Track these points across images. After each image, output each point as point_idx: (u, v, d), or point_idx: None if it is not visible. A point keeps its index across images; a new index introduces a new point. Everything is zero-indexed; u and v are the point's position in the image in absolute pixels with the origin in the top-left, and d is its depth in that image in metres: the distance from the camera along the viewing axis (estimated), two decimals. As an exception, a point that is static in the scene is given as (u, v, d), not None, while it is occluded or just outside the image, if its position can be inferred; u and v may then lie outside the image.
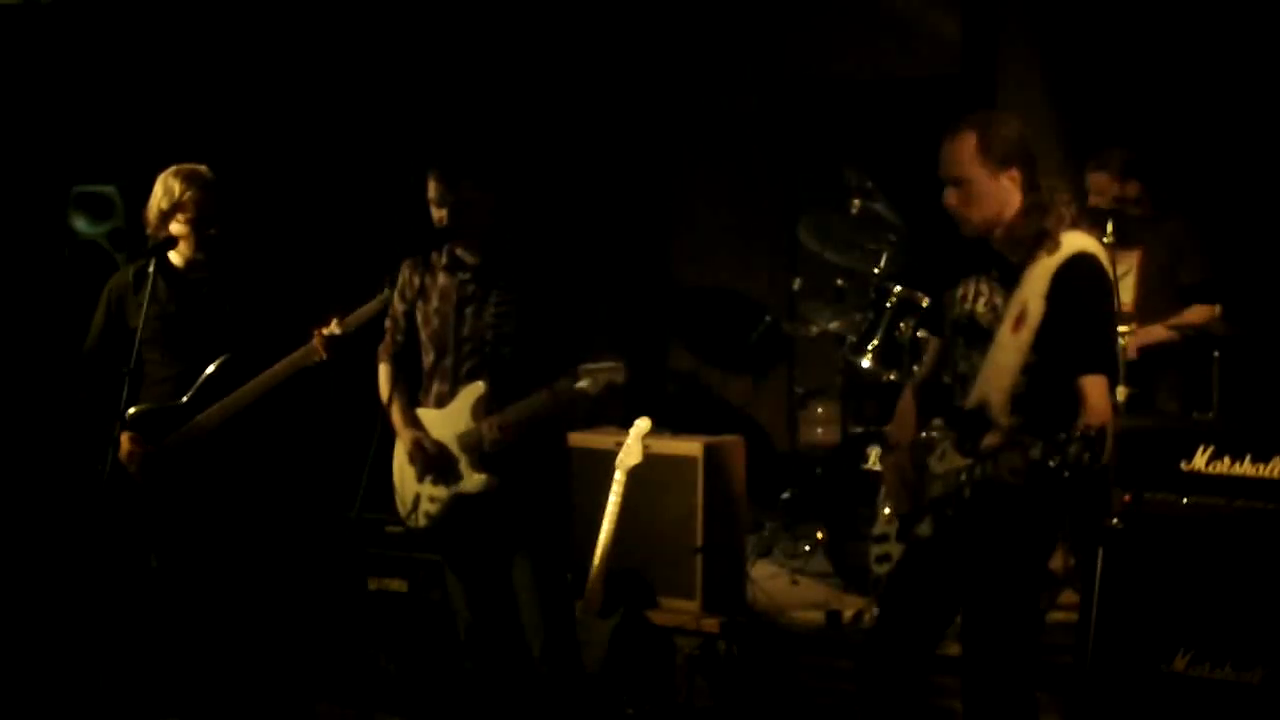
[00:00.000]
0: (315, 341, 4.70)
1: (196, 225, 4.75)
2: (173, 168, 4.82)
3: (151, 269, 4.69)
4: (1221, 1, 6.31)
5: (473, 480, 4.39)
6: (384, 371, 4.59)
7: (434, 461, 4.42)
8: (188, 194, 4.73)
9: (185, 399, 4.77)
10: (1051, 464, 3.57)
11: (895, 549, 4.13)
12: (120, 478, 4.70)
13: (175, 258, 4.85)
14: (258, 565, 4.90)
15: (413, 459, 4.46)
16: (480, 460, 4.38)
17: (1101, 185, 5.83)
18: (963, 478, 3.86)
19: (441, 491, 4.44)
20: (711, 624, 5.55)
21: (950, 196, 3.96)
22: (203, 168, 4.82)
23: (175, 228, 4.76)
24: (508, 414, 4.33)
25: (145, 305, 4.69)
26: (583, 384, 4.28)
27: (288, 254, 5.51)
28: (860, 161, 6.55)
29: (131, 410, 4.71)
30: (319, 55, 6.97)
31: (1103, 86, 6.55)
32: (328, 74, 6.99)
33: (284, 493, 5.10)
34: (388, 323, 4.61)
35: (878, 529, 4.20)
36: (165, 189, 4.77)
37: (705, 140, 7.90)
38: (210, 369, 4.76)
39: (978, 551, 3.94)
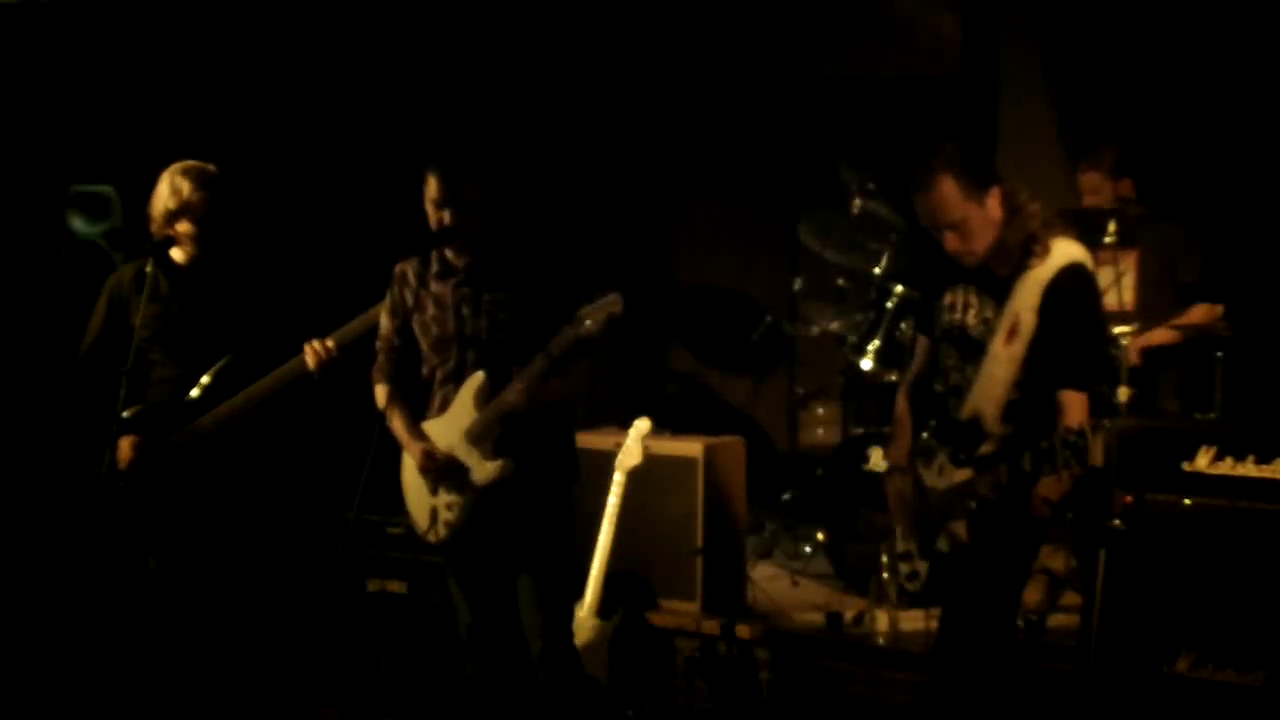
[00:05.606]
0: (307, 357, 4.59)
1: (204, 225, 4.69)
2: (179, 165, 4.74)
3: (149, 269, 4.65)
4: (1222, 1, 6.29)
5: (487, 470, 4.34)
6: (381, 392, 4.50)
7: (445, 470, 4.39)
8: (196, 195, 4.66)
9: (189, 397, 4.71)
10: (1043, 473, 3.65)
11: (921, 565, 4.17)
12: (117, 478, 4.67)
13: (178, 254, 4.78)
14: (256, 567, 4.87)
15: (424, 470, 4.42)
16: (493, 448, 4.34)
17: (1095, 184, 5.79)
18: (972, 490, 3.92)
19: (458, 497, 4.39)
20: (712, 626, 5.53)
21: (950, 241, 3.97)
22: (210, 166, 4.75)
23: (181, 228, 4.70)
24: (519, 379, 4.27)
25: (147, 303, 4.62)
26: (585, 326, 4.23)
27: (291, 254, 5.47)
28: (857, 160, 6.54)
29: (126, 412, 4.63)
30: (319, 53, 6.95)
31: (1104, 86, 6.53)
32: (329, 72, 6.96)
33: (282, 494, 5.06)
34: (379, 344, 4.53)
35: (900, 547, 4.24)
36: (173, 188, 4.68)
37: (705, 140, 7.88)
38: (213, 369, 4.69)
39: (974, 555, 3.99)
